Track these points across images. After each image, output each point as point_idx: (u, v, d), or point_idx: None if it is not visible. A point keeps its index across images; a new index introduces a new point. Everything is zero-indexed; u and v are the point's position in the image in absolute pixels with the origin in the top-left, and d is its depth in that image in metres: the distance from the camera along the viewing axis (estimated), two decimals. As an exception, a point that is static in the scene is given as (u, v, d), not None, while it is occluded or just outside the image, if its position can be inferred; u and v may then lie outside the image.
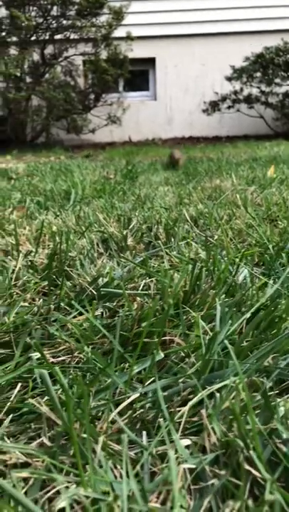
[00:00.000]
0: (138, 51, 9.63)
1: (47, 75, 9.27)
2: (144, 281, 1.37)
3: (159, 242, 1.74)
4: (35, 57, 9.26)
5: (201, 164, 4.52)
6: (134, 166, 4.23)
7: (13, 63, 8.48)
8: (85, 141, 10.09)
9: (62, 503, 0.53)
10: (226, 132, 10.88)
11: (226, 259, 1.44)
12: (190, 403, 0.71)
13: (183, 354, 0.89)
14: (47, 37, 9.01)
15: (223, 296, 1.14)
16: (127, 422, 0.71)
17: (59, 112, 9.08)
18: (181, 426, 0.69)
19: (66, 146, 8.86)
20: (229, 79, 9.77)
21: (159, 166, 4.40)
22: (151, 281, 1.32)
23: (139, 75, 10.91)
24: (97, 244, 1.73)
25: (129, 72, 9.54)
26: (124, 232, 1.80)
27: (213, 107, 10.18)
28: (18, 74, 8.70)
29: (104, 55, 9.28)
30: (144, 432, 0.68)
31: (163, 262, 1.51)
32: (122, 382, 0.78)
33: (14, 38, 8.87)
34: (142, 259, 1.47)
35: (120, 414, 0.72)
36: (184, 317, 1.04)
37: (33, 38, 8.94)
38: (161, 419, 0.69)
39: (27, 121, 9.37)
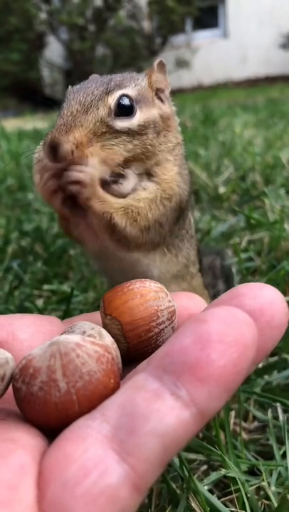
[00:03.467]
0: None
1: (111, 22, 8.86)
2: (246, 237, 1.18)
3: (256, 190, 1.53)
4: (98, 3, 8.85)
5: (283, 105, 4.09)
6: (211, 110, 3.91)
7: (76, 11, 8.17)
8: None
9: None
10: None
11: None
12: None
13: None
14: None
15: None
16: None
17: (125, 60, 8.71)
18: None
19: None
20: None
21: (238, 109, 4.04)
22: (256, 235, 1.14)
23: (208, 12, 10.09)
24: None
25: (197, 9, 8.84)
26: (216, 182, 1.61)
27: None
28: (82, 22, 8.39)
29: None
30: None
31: (264, 213, 1.31)
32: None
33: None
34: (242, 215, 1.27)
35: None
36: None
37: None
38: None
39: (93, 72, 9.11)
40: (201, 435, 0.66)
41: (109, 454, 0.32)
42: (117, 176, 0.58)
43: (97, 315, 0.51)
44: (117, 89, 0.57)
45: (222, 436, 0.67)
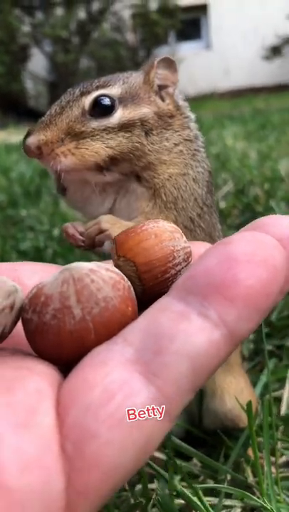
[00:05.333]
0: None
1: (95, 34, 8.90)
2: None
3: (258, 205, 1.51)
4: (82, 15, 8.89)
5: (271, 116, 4.12)
6: (200, 121, 3.91)
7: (60, 24, 8.18)
8: (137, 101, 9.70)
9: None
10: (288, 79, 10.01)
11: None
12: None
13: None
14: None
15: None
16: None
17: (109, 72, 8.73)
18: None
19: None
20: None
21: (226, 121, 4.06)
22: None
23: (191, 24, 10.21)
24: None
25: (180, 21, 8.94)
26: (216, 196, 1.58)
27: (274, 51, 9.40)
28: (66, 35, 8.40)
29: (153, 6, 8.73)
30: None
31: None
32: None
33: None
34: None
35: None
36: None
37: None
38: None
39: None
40: (229, 477, 0.62)
41: (134, 376, 0.30)
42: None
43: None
44: (96, 89, 0.58)
45: (250, 474, 0.63)
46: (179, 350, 0.30)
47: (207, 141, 2.60)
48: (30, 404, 0.29)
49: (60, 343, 0.34)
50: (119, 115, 0.58)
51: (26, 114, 8.64)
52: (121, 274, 0.37)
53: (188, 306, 0.31)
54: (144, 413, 0.29)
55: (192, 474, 0.65)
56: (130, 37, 9.37)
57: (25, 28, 9.14)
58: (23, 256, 1.36)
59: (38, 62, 9.54)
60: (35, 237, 1.54)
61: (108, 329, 0.34)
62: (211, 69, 10.24)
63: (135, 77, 0.61)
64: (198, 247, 0.48)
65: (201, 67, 10.23)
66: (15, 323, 0.36)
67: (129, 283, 0.37)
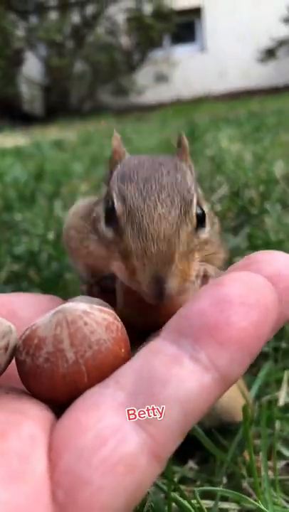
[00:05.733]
0: (184, 1, 9.01)
1: (89, 38, 8.92)
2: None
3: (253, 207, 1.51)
4: (76, 20, 8.90)
5: (265, 118, 4.14)
6: (195, 124, 3.92)
7: (54, 28, 8.19)
8: (133, 104, 9.71)
9: None
10: (284, 81, 10.05)
11: None
12: None
13: None
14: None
15: None
16: None
17: (104, 76, 8.76)
18: None
19: (113, 111, 8.57)
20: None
21: (221, 123, 4.07)
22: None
23: (185, 27, 10.25)
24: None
25: (175, 25, 8.98)
26: (211, 199, 1.58)
27: (269, 54, 9.44)
28: (60, 38, 8.42)
29: (147, 9, 8.76)
30: None
31: (266, 232, 1.28)
32: None
33: (51, 3, 8.54)
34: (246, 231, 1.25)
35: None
36: None
37: (72, 0, 8.58)
38: None
39: (71, 88, 9.13)
40: (225, 480, 0.62)
41: (126, 422, 0.30)
42: None
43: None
44: (192, 195, 0.47)
45: (247, 476, 0.62)
46: (171, 395, 0.30)
47: (202, 143, 2.60)
48: (24, 452, 0.29)
49: (53, 386, 0.34)
50: (207, 228, 0.48)
51: (21, 118, 8.64)
52: (114, 313, 0.37)
53: (180, 349, 0.31)
54: (136, 459, 0.29)
55: (187, 478, 0.65)
56: (125, 41, 9.40)
57: (20, 33, 9.15)
58: (18, 260, 1.35)
59: (32, 66, 9.55)
60: (29, 240, 1.53)
61: (101, 372, 0.34)
62: (206, 72, 10.27)
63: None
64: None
65: (196, 70, 10.27)
66: (9, 362, 0.37)
67: (121, 323, 0.37)
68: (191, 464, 0.67)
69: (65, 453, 0.29)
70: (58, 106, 8.92)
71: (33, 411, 0.33)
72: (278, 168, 1.88)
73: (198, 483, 0.64)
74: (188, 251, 0.43)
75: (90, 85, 8.98)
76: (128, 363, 0.33)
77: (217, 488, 0.53)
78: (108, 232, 0.47)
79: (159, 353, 0.32)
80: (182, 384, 0.30)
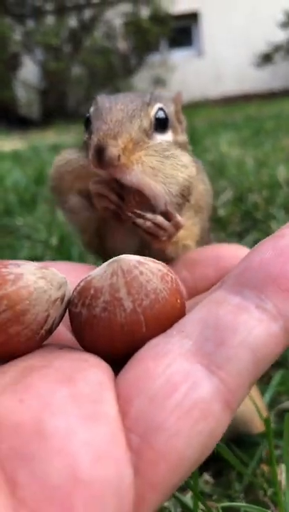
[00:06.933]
0: (181, 5, 9.04)
1: (86, 42, 8.92)
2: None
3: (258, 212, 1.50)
4: (73, 24, 8.91)
5: (263, 122, 4.14)
6: (194, 129, 3.92)
7: (51, 32, 8.19)
8: (130, 108, 9.71)
9: None
10: (280, 86, 10.09)
11: None
12: None
13: None
14: (83, 1, 8.63)
15: None
16: None
17: (101, 80, 8.76)
18: None
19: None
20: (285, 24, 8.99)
21: (219, 127, 4.07)
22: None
23: (182, 31, 10.28)
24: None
25: (171, 29, 9.00)
26: (215, 204, 1.57)
27: (265, 59, 9.48)
28: (57, 42, 8.42)
29: (144, 14, 8.78)
30: None
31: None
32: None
33: (48, 8, 8.55)
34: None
35: None
36: None
37: (69, 5, 8.59)
38: None
39: (68, 92, 9.13)
40: (243, 494, 0.60)
41: (196, 367, 0.29)
42: None
43: None
44: (155, 101, 0.54)
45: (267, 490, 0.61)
46: (242, 342, 0.29)
47: (202, 148, 2.58)
48: (94, 396, 0.28)
49: (111, 336, 0.33)
50: (170, 134, 0.55)
51: (17, 122, 8.63)
52: (167, 266, 0.36)
53: (245, 300, 0.30)
54: (210, 404, 0.28)
55: (203, 492, 0.63)
56: (122, 45, 9.41)
57: (17, 37, 9.14)
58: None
59: (29, 70, 9.54)
60: (32, 246, 1.52)
61: (159, 322, 0.33)
62: (203, 76, 10.30)
63: (170, 103, 0.58)
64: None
65: (193, 74, 10.29)
66: (62, 316, 0.35)
67: (176, 276, 0.36)
68: (206, 476, 0.65)
69: (136, 399, 0.28)
70: (55, 110, 8.90)
71: (94, 360, 0.33)
72: (281, 173, 1.87)
73: (214, 497, 0.62)
74: (137, 141, 0.49)
75: (87, 89, 8.96)
76: (189, 315, 0.32)
77: (241, 504, 0.51)
78: (85, 136, 0.54)
79: (224, 302, 0.31)
80: (252, 331, 0.29)
